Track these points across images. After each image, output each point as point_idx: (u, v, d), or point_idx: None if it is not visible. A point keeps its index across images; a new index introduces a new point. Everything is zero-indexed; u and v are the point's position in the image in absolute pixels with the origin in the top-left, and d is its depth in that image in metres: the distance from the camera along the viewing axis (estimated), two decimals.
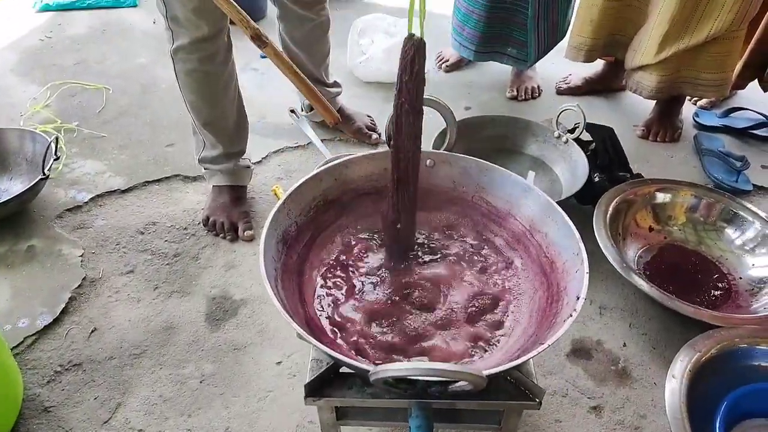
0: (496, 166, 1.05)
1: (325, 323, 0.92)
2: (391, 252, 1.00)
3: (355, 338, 0.89)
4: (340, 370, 0.91)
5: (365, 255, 1.02)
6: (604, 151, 1.63)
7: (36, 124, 1.85)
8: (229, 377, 1.18)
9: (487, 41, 1.95)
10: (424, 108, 0.91)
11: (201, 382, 1.17)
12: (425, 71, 0.86)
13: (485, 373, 0.68)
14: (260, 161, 1.77)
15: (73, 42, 2.42)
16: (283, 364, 1.21)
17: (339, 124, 1.87)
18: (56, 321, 1.29)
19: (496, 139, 1.71)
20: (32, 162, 1.64)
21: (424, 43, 0.82)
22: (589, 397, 1.15)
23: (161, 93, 2.09)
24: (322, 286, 0.97)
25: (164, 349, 1.24)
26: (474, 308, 0.94)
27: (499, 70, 2.13)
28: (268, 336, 1.27)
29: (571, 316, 0.79)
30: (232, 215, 1.53)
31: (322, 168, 1.01)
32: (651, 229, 1.49)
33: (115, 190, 1.65)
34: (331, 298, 0.95)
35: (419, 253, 1.02)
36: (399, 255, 1.00)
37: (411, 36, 0.82)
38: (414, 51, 0.82)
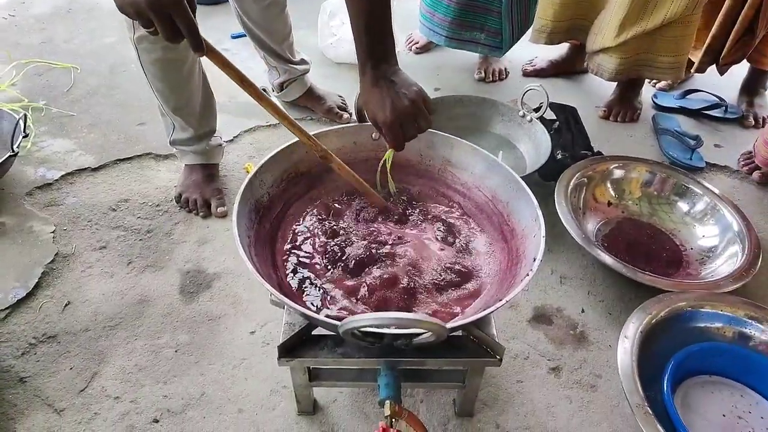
0: (461, 139, 1.10)
1: (297, 287, 0.95)
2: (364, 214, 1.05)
3: (325, 301, 0.93)
4: (312, 333, 0.95)
5: (336, 225, 1.06)
6: (567, 129, 1.70)
7: (1, 103, 1.82)
8: (204, 346, 1.21)
9: (459, 28, 1.97)
10: None
11: (176, 352, 1.20)
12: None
13: (447, 325, 0.73)
14: (232, 140, 1.79)
15: (37, 21, 2.38)
16: (256, 334, 1.24)
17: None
18: (30, 295, 1.29)
19: (464, 118, 1.76)
20: None
21: None
22: (549, 359, 1.22)
23: (131, 72, 2.08)
24: (294, 254, 1.01)
25: (139, 321, 1.26)
26: (440, 275, 0.98)
27: (467, 53, 2.17)
28: (242, 307, 1.30)
29: (527, 275, 0.85)
30: (204, 192, 1.54)
31: (294, 141, 1.04)
32: (609, 203, 1.56)
33: (85, 168, 1.65)
34: (302, 265, 0.99)
35: (388, 222, 1.07)
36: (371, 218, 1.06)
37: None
38: None
